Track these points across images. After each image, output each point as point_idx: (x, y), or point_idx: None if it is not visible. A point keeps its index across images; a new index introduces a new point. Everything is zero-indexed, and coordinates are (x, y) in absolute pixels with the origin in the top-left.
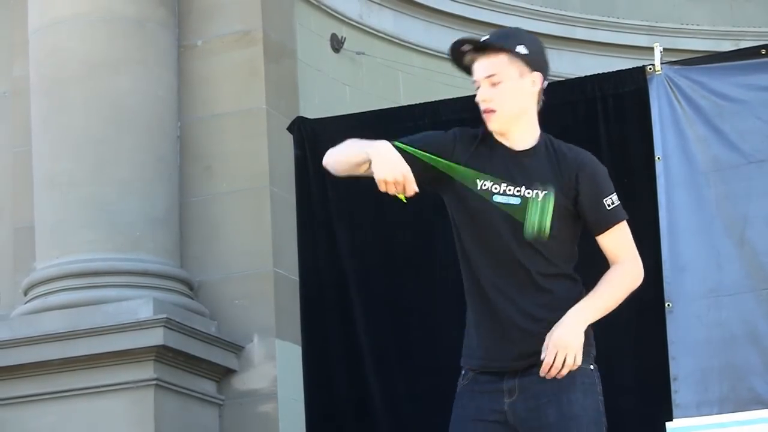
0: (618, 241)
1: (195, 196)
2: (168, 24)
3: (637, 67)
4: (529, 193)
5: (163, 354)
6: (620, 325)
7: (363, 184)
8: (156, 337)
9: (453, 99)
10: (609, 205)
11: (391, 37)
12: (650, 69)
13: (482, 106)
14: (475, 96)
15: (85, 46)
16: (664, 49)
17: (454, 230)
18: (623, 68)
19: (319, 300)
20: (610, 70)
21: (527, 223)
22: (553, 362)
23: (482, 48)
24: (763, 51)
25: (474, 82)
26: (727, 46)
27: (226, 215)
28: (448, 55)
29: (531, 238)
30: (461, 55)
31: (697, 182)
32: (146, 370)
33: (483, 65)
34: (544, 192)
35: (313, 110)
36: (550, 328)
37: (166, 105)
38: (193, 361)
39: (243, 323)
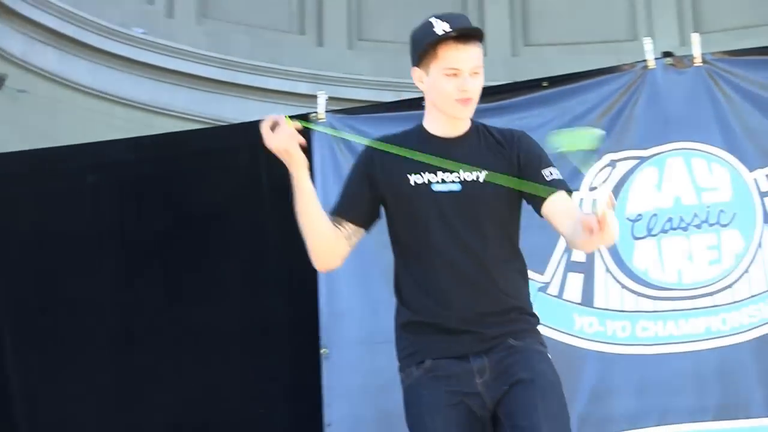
0: (572, 204)
1: None
2: None
3: (301, 114)
4: (468, 176)
5: None
6: (274, 370)
7: (22, 233)
8: None
9: (117, 140)
10: (550, 174)
11: (55, 76)
12: (314, 116)
13: (462, 95)
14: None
15: None
16: (329, 97)
17: (393, 235)
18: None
19: None
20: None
21: None
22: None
23: (470, 38)
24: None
25: (452, 70)
26: (389, 96)
27: None
28: (421, 36)
29: None
30: (437, 41)
31: None
32: None
33: (472, 56)
34: (484, 172)
35: None
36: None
37: None
38: None
39: None
